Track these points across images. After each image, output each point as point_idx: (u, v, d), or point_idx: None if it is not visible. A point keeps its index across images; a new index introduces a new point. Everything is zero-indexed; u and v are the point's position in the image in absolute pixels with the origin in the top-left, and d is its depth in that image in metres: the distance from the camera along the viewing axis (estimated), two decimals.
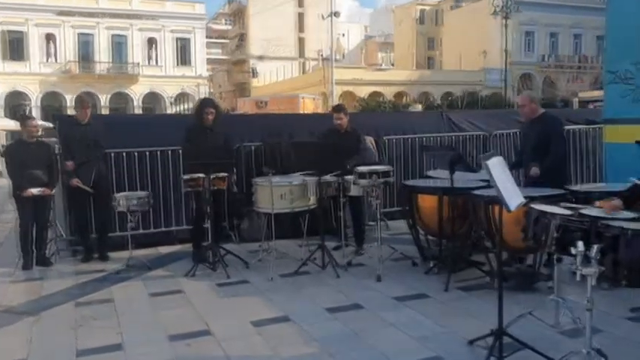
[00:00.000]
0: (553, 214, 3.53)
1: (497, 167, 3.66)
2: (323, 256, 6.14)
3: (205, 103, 6.70)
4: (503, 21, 50.61)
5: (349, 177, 6.35)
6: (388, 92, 49.96)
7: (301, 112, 23.32)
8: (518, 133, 9.19)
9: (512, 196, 3.63)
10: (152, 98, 48.06)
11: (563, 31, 55.55)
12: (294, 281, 5.88)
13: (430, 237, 6.30)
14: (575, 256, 3.21)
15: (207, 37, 53.30)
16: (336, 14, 39.68)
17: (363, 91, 48.15)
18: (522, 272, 5.34)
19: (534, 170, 5.57)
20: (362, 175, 5.93)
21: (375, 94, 48.35)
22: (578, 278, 3.23)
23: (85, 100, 7.01)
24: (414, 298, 5.19)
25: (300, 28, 63.21)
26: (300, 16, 62.48)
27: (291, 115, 13.95)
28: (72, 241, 7.26)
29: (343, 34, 69.74)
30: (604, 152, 7.37)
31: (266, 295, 5.46)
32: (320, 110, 28.86)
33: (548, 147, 5.67)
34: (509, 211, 3.52)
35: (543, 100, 46.43)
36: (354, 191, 6.34)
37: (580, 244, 3.18)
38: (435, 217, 5.80)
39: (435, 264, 5.86)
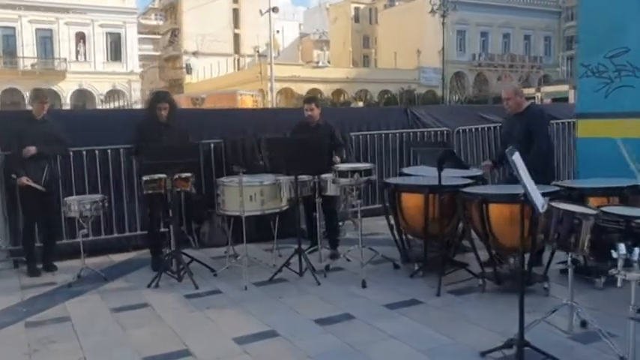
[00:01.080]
0: (584, 215, 3.25)
1: (520, 164, 3.36)
2: (300, 261, 5.69)
3: (158, 98, 6.11)
4: (439, 20, 51.68)
5: (326, 175, 5.94)
6: (326, 90, 49.96)
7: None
8: (489, 128, 9.09)
9: (537, 195, 3.33)
10: (81, 95, 45.92)
11: (494, 30, 57.18)
12: (270, 290, 5.41)
13: (412, 237, 5.96)
14: (616, 260, 2.93)
15: (138, 32, 51.41)
16: (275, 10, 39.09)
17: (301, 89, 47.83)
18: (517, 273, 5.08)
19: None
20: (342, 174, 5.54)
21: (313, 92, 48.11)
22: (619, 284, 2.95)
23: (40, 95, 6.19)
24: (406, 304, 4.84)
25: (236, 24, 62.15)
26: (236, 12, 61.41)
27: (255, 110, 13.36)
28: (12, 252, 6.48)
29: (278, 31, 69.18)
30: (576, 147, 7.27)
31: (243, 306, 4.97)
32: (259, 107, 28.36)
33: (530, 142, 5.47)
34: (538, 212, 3.21)
35: (476, 98, 47.92)
36: (331, 191, 5.93)
37: (622, 247, 2.90)
38: (419, 216, 5.48)
39: (421, 267, 5.53)
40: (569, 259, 3.85)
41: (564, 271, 5.37)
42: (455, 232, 5.49)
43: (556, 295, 4.85)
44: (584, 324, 4.09)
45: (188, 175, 5.88)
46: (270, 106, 38.50)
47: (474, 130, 8.85)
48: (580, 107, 7.15)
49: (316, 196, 5.93)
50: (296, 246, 5.81)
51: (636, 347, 3.77)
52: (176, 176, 5.65)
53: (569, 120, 8.83)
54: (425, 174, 6.29)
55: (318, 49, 72.02)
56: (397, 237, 5.86)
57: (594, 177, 5.99)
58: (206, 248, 7.00)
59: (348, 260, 6.15)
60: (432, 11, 36.76)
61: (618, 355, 3.56)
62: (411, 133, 8.46)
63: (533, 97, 32.10)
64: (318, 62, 55.22)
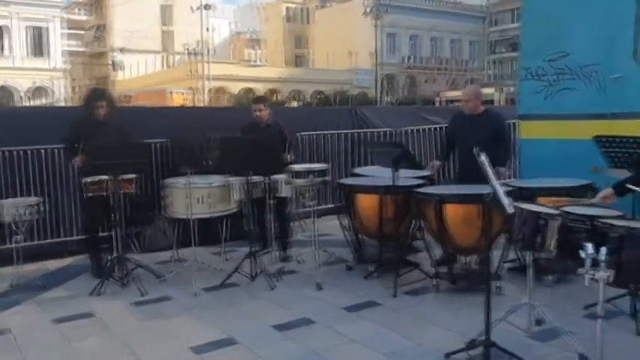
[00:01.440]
0: (550, 215, 3.29)
1: (488, 165, 3.37)
2: (252, 265, 5.53)
3: (96, 96, 5.80)
4: (371, 22, 52.39)
5: (278, 176, 5.81)
6: (261, 89, 49.50)
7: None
8: (434, 129, 9.19)
9: (504, 196, 3.35)
10: (2, 92, 43.47)
11: (423, 34, 58.49)
12: (223, 296, 5.23)
13: (366, 238, 5.92)
14: (584, 259, 2.96)
15: (63, 27, 49.26)
16: (207, 7, 38.41)
17: (235, 87, 47.33)
18: (471, 273, 5.15)
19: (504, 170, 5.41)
20: (297, 174, 5.43)
21: (247, 91, 47.69)
22: (586, 283, 2.98)
23: None
24: (364, 307, 4.79)
25: (167, 20, 60.70)
26: (167, 9, 59.93)
27: (200, 108, 12.97)
28: None
29: (207, 29, 68.10)
30: (518, 149, 7.46)
31: (195, 313, 4.78)
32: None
33: (492, 144, 5.53)
34: (507, 212, 3.23)
35: (407, 100, 48.98)
36: (284, 192, 5.81)
37: (589, 247, 2.94)
38: (375, 217, 5.45)
39: (376, 268, 5.50)
40: (529, 258, 3.91)
41: (513, 270, 5.52)
42: (408, 233, 5.49)
43: (508, 293, 4.94)
44: (539, 322, 4.17)
45: (132, 176, 5.61)
46: (202, 104, 37.85)
47: (420, 130, 8.93)
48: (522, 109, 7.36)
49: (268, 197, 5.78)
50: (245, 249, 5.66)
51: (598, 344, 3.92)
52: (119, 177, 5.37)
53: (511, 121, 9.08)
54: (378, 174, 6.28)
55: (250, 49, 71.33)
56: (353, 238, 5.79)
57: (536, 177, 6.15)
58: (149, 253, 6.71)
59: (299, 262, 6.06)
60: (365, 13, 37.12)
61: (577, 351, 3.63)
62: (362, 134, 8.45)
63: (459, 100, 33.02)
64: (255, 61, 54.74)
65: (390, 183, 5.38)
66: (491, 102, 31.52)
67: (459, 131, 5.89)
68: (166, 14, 60.79)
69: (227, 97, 46.13)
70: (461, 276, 5.09)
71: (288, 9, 66.54)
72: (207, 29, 66.09)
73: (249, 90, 48.64)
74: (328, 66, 55.16)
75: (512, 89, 42.21)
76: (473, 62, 59.42)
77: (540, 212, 3.38)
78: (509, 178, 5.46)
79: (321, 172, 5.45)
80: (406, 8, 55.57)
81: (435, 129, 9.12)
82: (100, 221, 5.76)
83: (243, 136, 5.90)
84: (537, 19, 7.05)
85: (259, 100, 6.47)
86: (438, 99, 34.93)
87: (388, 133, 8.70)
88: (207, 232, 6.65)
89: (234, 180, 5.72)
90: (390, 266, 5.49)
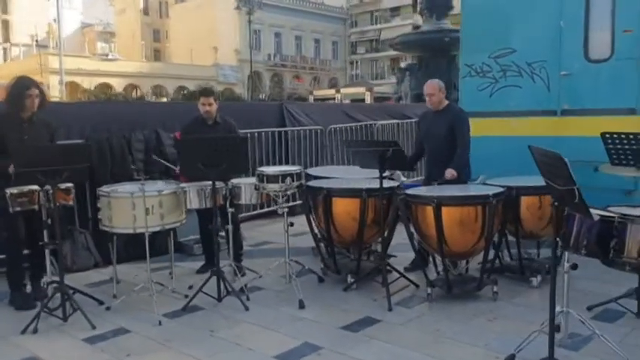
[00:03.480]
0: (631, 218, 3.04)
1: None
2: (219, 284, 4.79)
3: (26, 83, 4.70)
4: (233, 18, 51.46)
5: (240, 180, 5.12)
6: (117, 84, 46.71)
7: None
8: (360, 127, 8.87)
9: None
10: None
11: (286, 32, 58.69)
12: (192, 322, 4.45)
13: (338, 246, 5.41)
14: None
15: None
16: None
17: (89, 83, 44.03)
18: (466, 279, 4.85)
19: (450, 172, 5.11)
20: (270, 179, 4.77)
21: (103, 86, 44.61)
22: None
23: None
24: (363, 324, 4.29)
25: (5, 8, 55.02)
26: None
27: (124, 104, 11.47)
28: None
29: (55, 20, 62.89)
30: None
31: (172, 347, 3.99)
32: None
33: (454, 139, 5.30)
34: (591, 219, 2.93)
35: (274, 97, 48.76)
36: (248, 198, 5.10)
37: None
38: (352, 223, 4.97)
39: (355, 279, 5.02)
40: (567, 263, 3.66)
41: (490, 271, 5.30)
42: (389, 239, 5.07)
43: (505, 299, 4.72)
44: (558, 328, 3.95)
45: (69, 185, 4.62)
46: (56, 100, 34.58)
47: (346, 128, 8.57)
48: (464, 106, 7.21)
49: (228, 205, 5.04)
50: (186, 264, 4.90)
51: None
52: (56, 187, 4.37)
53: None
54: (338, 175, 5.83)
55: (102, 42, 67.05)
56: (330, 248, 5.25)
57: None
58: (70, 273, 5.65)
59: (261, 277, 5.39)
60: (238, 7, 36.24)
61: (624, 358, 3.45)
62: (289, 132, 7.88)
63: (334, 98, 33.43)
64: (107, 55, 51.27)
65: (369, 185, 4.99)
66: (363, 101, 32.15)
67: (424, 129, 5.59)
68: (3, 1, 55.19)
69: (82, 92, 42.64)
70: (457, 282, 4.76)
71: (145, 1, 63.38)
72: (55, 20, 61.23)
73: (106, 85, 45.62)
74: (190, 61, 53.39)
75: (376, 88, 43.74)
76: (335, 62, 60.72)
77: (613, 217, 3.12)
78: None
79: (298, 176, 4.85)
80: (270, 5, 55.34)
81: (362, 126, 8.82)
82: (24, 241, 4.69)
83: (203, 136, 5.08)
84: (479, 14, 6.98)
85: (208, 92, 5.68)
86: (311, 97, 35.08)
87: (313, 131, 8.23)
88: (130, 247, 5.80)
89: (191, 186, 4.93)
90: (370, 276, 5.07)
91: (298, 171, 4.89)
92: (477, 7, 7.02)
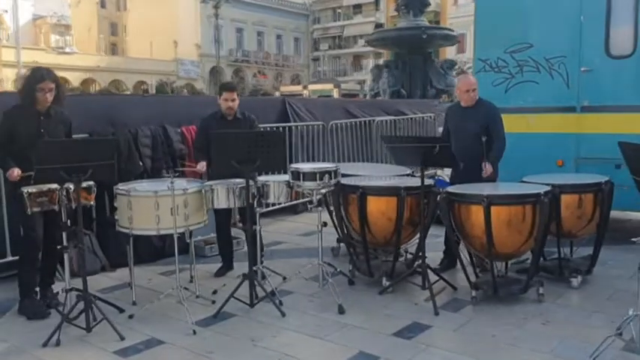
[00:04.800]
0: None
1: None
2: (252, 289, 4.48)
3: (41, 76, 4.28)
4: (195, 11, 50.48)
5: (269, 178, 4.81)
6: (74, 78, 45.16)
7: None
8: (361, 123, 8.64)
9: None
10: None
11: (248, 27, 57.93)
12: (228, 331, 4.12)
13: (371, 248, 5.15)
14: None
15: None
16: None
17: None
18: (510, 281, 4.67)
19: (489, 168, 4.94)
20: (307, 176, 4.48)
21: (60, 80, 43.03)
22: None
23: None
24: (414, 330, 4.05)
25: None
26: None
27: (114, 96, 10.84)
28: None
29: (7, 11, 60.43)
30: None
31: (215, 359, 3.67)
32: None
33: (489, 135, 5.12)
34: None
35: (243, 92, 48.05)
36: (277, 197, 4.79)
37: None
38: (386, 223, 4.73)
39: (392, 282, 4.78)
40: None
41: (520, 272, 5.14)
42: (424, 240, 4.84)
43: (549, 300, 4.56)
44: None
45: (90, 183, 4.22)
46: None
47: (348, 124, 8.33)
48: None
49: (256, 205, 4.72)
50: (201, 266, 4.59)
51: None
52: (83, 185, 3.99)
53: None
54: (354, 172, 5.56)
55: (56, 34, 64.76)
56: (364, 249, 4.98)
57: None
58: (77, 278, 5.22)
59: (287, 280, 5.10)
60: (204, 1, 35.48)
61: None
62: (292, 128, 7.58)
63: (301, 94, 33.17)
64: (64, 48, 49.56)
65: (407, 183, 4.77)
66: (330, 97, 32.00)
67: (454, 124, 5.38)
68: None
69: None
70: (503, 285, 4.56)
71: None
72: (6, 11, 58.79)
73: (63, 79, 44.05)
74: (150, 56, 52.11)
75: (343, 85, 43.69)
76: (298, 58, 60.35)
77: None
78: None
79: (335, 173, 4.57)
80: (232, 0, 54.52)
81: (360, 123, 8.60)
82: (41, 243, 4.29)
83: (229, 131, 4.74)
84: (495, 8, 6.83)
85: (232, 87, 5.34)
86: (277, 93, 34.70)
87: (314, 127, 7.95)
88: (137, 248, 5.42)
89: (220, 184, 4.60)
90: (404, 278, 4.85)
91: (335, 168, 4.61)
92: (492, 1, 6.87)
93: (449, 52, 37.52)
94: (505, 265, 4.80)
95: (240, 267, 5.37)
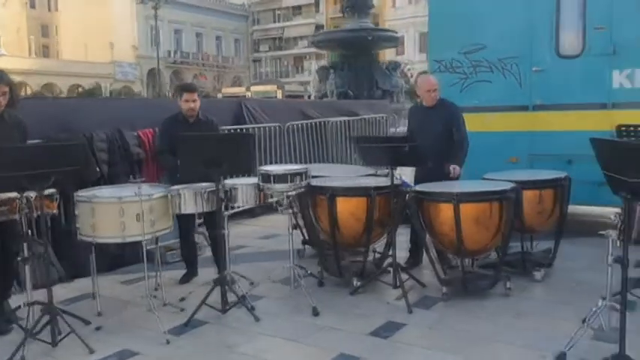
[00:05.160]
0: None
1: None
2: (224, 294, 4.39)
3: None
4: (131, 13, 49.25)
5: (235, 182, 4.72)
6: None
7: None
8: (316, 124, 8.63)
9: None
10: None
11: (187, 29, 57.02)
12: (202, 338, 4.03)
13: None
14: None
15: None
16: None
17: None
18: (478, 276, 4.76)
19: (455, 168, 5.04)
20: (278, 179, 4.43)
21: None
22: None
23: None
24: (391, 330, 4.06)
25: None
26: None
27: (81, 100, 10.31)
28: None
29: None
30: None
31: None
32: None
33: (451, 134, 5.22)
34: None
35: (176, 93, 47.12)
36: (245, 200, 4.70)
37: None
38: (356, 224, 4.75)
39: (363, 282, 4.79)
40: (611, 256, 3.63)
41: (484, 267, 5.26)
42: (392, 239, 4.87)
43: (515, 294, 4.68)
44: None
45: (52, 191, 4.03)
46: None
47: (303, 125, 8.31)
48: None
49: (225, 208, 4.62)
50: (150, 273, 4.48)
51: None
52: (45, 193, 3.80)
53: None
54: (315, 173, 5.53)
55: None
56: (335, 250, 4.96)
57: None
58: (36, 290, 4.97)
59: (252, 284, 5.03)
60: (143, 2, 34.66)
61: None
62: (249, 130, 7.48)
63: (245, 96, 32.93)
64: None
65: (375, 183, 4.80)
66: (274, 98, 31.91)
67: (417, 124, 5.46)
68: None
69: None
70: (471, 280, 4.65)
71: None
72: None
73: None
74: (85, 58, 50.49)
75: (287, 87, 43.63)
76: (239, 60, 59.84)
77: None
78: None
79: (305, 175, 4.53)
80: (169, 1, 53.48)
81: (317, 124, 8.61)
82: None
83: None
84: (448, 10, 6.96)
85: (192, 88, 5.22)
86: (219, 95, 34.33)
87: (277, 128, 7.90)
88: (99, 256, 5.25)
89: (186, 188, 4.49)
90: (376, 277, 4.87)
91: (305, 170, 4.58)
92: (445, 3, 7.00)
93: (388, 54, 38.14)
94: (471, 261, 4.89)
95: (205, 273, 5.28)
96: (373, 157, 4.73)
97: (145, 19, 50.64)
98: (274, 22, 59.67)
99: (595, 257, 5.27)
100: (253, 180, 4.78)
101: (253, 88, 36.31)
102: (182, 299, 4.70)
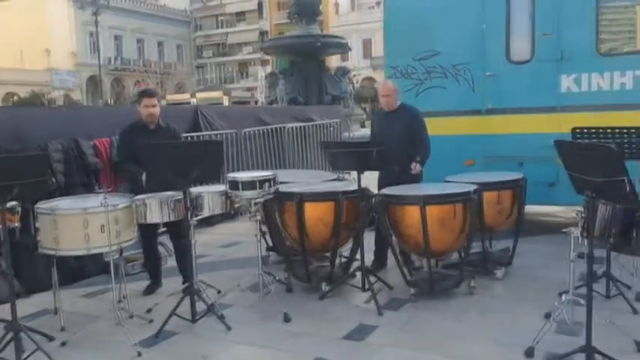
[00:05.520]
0: None
1: None
2: (193, 304, 4.33)
3: None
4: (69, 19, 47.80)
5: (201, 190, 4.68)
6: None
7: None
8: (273, 130, 8.63)
9: None
10: None
11: (127, 35, 55.79)
12: (175, 349, 3.97)
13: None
14: None
15: None
16: None
17: None
18: (443, 276, 4.88)
19: (416, 166, 5.15)
20: (246, 185, 4.41)
21: None
22: None
23: None
24: (364, 332, 4.11)
25: None
26: None
27: (33, 109, 9.79)
28: None
29: None
30: None
31: None
32: None
33: (412, 138, 5.33)
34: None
35: (118, 100, 46.08)
36: (212, 208, 4.66)
37: None
38: (324, 229, 4.79)
39: (332, 287, 4.83)
40: (573, 252, 3.79)
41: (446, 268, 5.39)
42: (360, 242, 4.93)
43: (479, 293, 4.82)
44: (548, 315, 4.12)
45: (14, 204, 3.89)
46: None
47: (260, 132, 8.29)
48: None
49: (190, 217, 4.56)
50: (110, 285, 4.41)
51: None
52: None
53: None
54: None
55: None
56: (304, 256, 4.97)
57: None
58: None
59: (220, 293, 4.98)
60: (82, 7, 33.71)
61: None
62: (205, 137, 7.40)
63: (189, 102, 32.48)
64: None
65: (342, 188, 4.85)
66: (220, 104, 31.62)
67: (379, 129, 5.56)
68: None
69: None
70: (438, 280, 4.76)
71: None
72: None
73: None
74: (20, 65, 48.60)
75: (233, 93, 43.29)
76: (181, 66, 58.96)
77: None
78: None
79: (274, 181, 4.53)
80: (108, 7, 52.18)
81: (274, 130, 8.61)
82: None
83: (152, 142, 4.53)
84: (402, 17, 7.11)
85: (151, 93, 5.12)
86: (163, 101, 33.71)
87: (234, 135, 7.86)
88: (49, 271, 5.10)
89: (152, 197, 4.41)
90: (344, 281, 4.92)
91: (273, 176, 4.58)
92: (400, 10, 7.14)
93: (333, 61, 38.40)
94: (435, 262, 5.01)
95: (168, 283, 5.21)
96: (341, 161, 4.79)
97: (83, 25, 49.38)
98: (217, 27, 59.12)
99: (550, 255, 5.56)
100: (218, 188, 4.76)
101: (198, 95, 35.82)
102: (149, 310, 4.62)
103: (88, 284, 5.48)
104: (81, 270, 5.57)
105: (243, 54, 57.17)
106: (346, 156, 4.64)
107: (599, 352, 3.28)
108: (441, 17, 6.87)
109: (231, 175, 4.63)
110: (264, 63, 50.75)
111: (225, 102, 33.68)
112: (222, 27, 59.09)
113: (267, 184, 4.45)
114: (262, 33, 55.70)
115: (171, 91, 52.75)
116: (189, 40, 60.64)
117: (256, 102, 31.73)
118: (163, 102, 34.79)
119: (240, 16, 58.30)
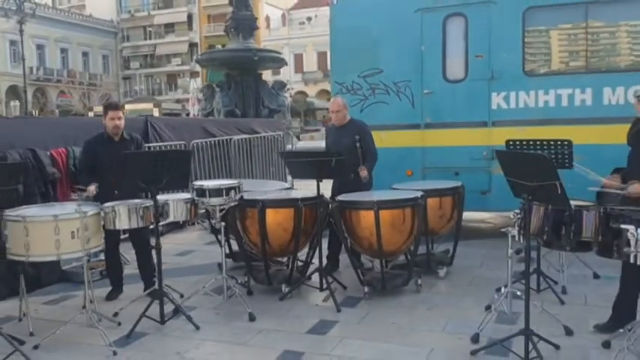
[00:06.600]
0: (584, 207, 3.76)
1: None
2: (162, 306, 4.54)
3: None
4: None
5: (167, 197, 4.90)
6: None
7: None
8: (223, 141, 8.85)
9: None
10: None
11: (50, 44, 53.97)
12: (148, 347, 4.17)
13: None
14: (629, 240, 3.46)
15: None
16: None
17: None
18: (392, 276, 5.30)
19: (364, 171, 5.58)
20: (213, 193, 4.68)
21: None
22: (632, 260, 3.48)
23: None
24: (326, 327, 4.47)
25: None
26: None
27: None
28: None
29: None
30: None
31: None
32: None
33: (362, 149, 5.75)
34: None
35: (42, 112, 44.39)
36: (178, 215, 4.89)
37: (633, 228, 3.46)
38: (283, 234, 5.13)
39: (292, 288, 5.16)
40: (511, 249, 4.29)
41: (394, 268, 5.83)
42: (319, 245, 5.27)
43: (425, 290, 5.28)
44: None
45: None
46: None
47: (208, 143, 8.51)
48: None
49: (157, 223, 4.77)
50: (79, 292, 4.62)
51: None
52: None
53: None
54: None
55: None
56: (265, 261, 5.26)
57: None
58: None
59: (188, 298, 5.20)
60: (7, 16, 32.45)
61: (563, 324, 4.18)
62: (155, 149, 7.56)
63: (152, 114, 31.96)
64: None
65: (300, 195, 5.20)
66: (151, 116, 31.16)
67: (332, 142, 5.96)
68: None
69: None
70: (389, 279, 5.18)
71: None
72: None
73: None
74: None
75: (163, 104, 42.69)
76: (107, 77, 57.54)
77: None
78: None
79: (239, 189, 4.82)
80: (30, 15, 50.34)
81: (221, 141, 8.85)
82: None
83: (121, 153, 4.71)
84: (348, 36, 7.57)
85: (116, 105, 5.27)
86: (91, 113, 32.89)
87: (183, 146, 8.05)
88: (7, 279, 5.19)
89: (121, 204, 4.60)
90: (303, 282, 5.26)
91: (239, 184, 4.87)
92: (345, 30, 7.59)
93: (266, 74, 38.74)
94: (385, 262, 5.43)
95: (127, 290, 5.36)
96: (301, 170, 5.14)
97: (3, 33, 47.41)
98: (145, 39, 58.18)
99: (486, 256, 6.13)
100: (183, 195, 5.00)
101: (128, 107, 35.15)
102: (116, 314, 4.77)
103: (48, 292, 5.55)
104: (38, 279, 5.61)
105: (172, 65, 56.52)
106: (307, 165, 4.99)
107: (536, 335, 3.77)
108: (384, 37, 7.38)
109: (198, 183, 4.88)
110: (193, 75, 50.45)
111: (156, 113, 33.30)
112: (150, 38, 58.18)
113: (232, 191, 4.74)
114: (192, 45, 55.38)
115: (96, 102, 51.37)
116: (115, 50, 59.31)
117: (187, 114, 31.51)
118: (90, 114, 33.94)
119: (169, 27, 57.67)
